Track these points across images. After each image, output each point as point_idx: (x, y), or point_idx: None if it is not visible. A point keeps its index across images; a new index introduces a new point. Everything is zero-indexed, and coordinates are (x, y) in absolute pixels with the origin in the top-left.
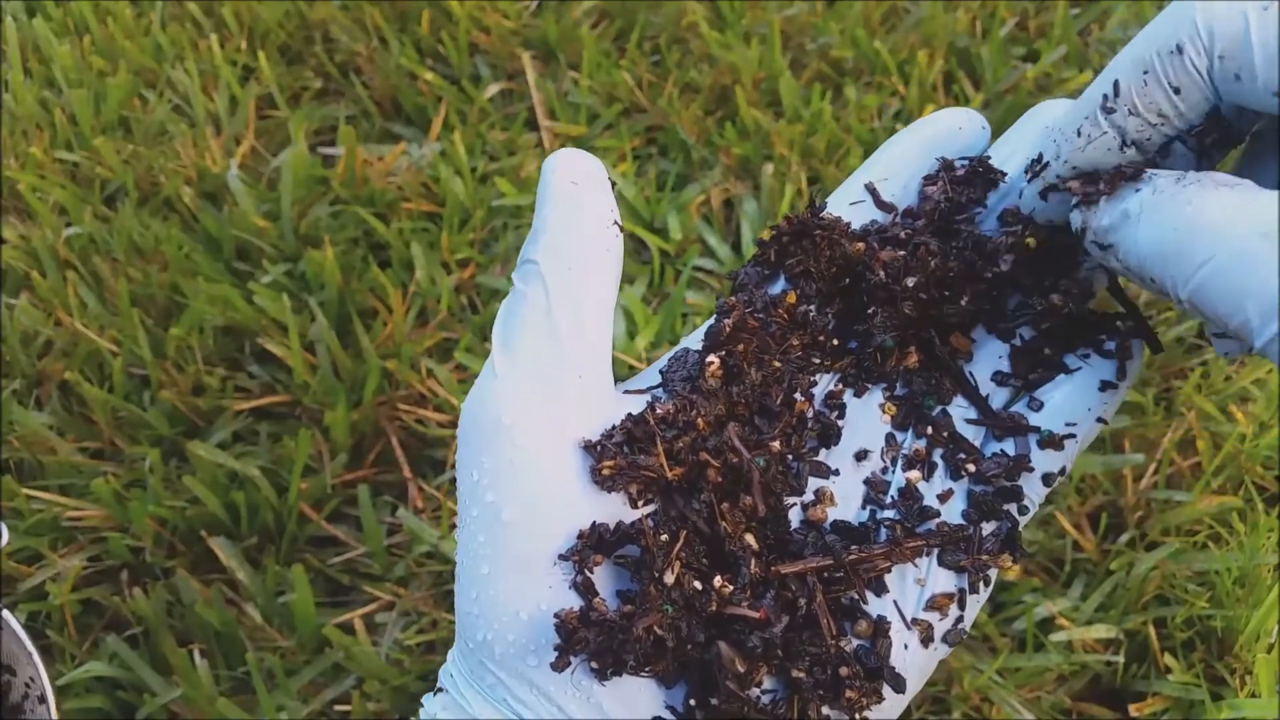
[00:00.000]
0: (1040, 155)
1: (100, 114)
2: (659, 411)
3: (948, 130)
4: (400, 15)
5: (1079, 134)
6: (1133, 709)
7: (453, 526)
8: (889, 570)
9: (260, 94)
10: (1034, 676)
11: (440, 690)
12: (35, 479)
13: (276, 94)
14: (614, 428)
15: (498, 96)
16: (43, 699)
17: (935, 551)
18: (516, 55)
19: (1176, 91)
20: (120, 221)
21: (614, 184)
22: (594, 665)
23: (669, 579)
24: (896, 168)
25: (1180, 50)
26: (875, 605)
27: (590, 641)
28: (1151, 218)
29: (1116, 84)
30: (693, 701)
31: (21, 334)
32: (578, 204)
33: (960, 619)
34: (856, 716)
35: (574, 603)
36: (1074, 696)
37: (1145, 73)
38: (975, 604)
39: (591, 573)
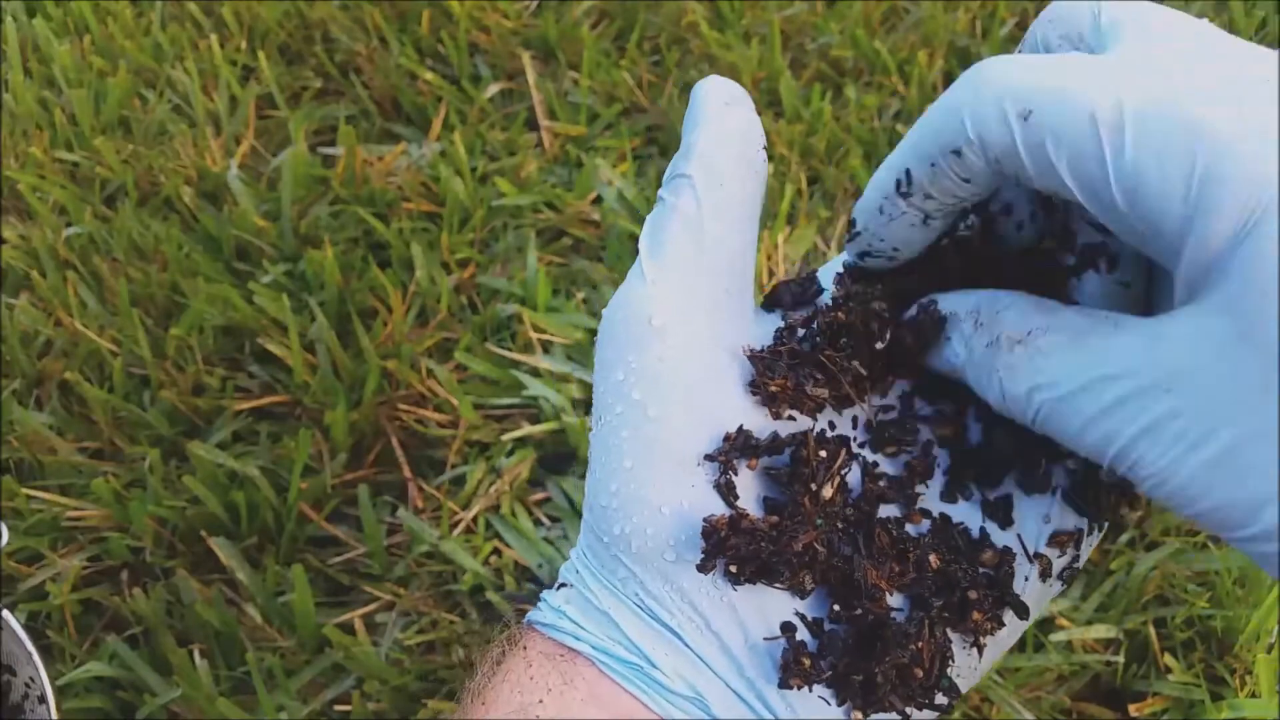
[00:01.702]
0: (853, 219)
1: (100, 114)
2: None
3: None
4: (400, 15)
5: (880, 212)
6: (1133, 709)
7: (454, 526)
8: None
9: (260, 94)
10: (1034, 676)
11: (563, 585)
12: (35, 479)
13: (276, 94)
14: (780, 343)
15: (498, 96)
16: (43, 699)
17: (1062, 489)
18: (516, 55)
19: (966, 181)
20: (120, 221)
21: (613, 183)
22: (732, 569)
23: (826, 493)
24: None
25: (960, 153)
26: (1000, 537)
27: (739, 548)
28: (975, 378)
29: (909, 172)
30: (835, 609)
31: (21, 334)
32: (729, 124)
33: (1076, 558)
34: (980, 640)
35: (715, 502)
36: (1074, 696)
37: (932, 165)
38: (1089, 545)
39: (736, 475)
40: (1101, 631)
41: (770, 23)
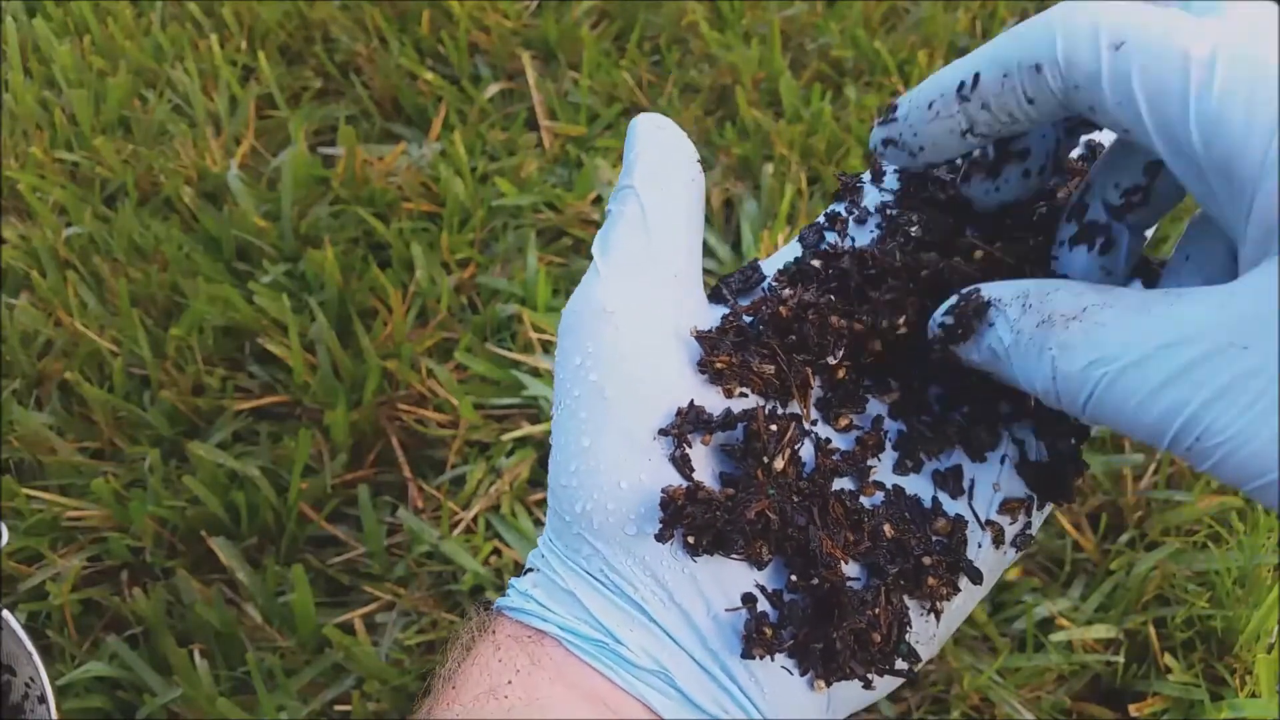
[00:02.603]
0: (894, 104)
1: (100, 114)
2: (766, 312)
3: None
4: (400, 15)
5: (929, 107)
6: (1133, 709)
7: (454, 526)
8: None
9: (260, 94)
10: (1034, 676)
11: (529, 571)
12: (35, 479)
13: (276, 94)
14: (726, 324)
15: (498, 96)
16: (43, 699)
17: (1011, 460)
18: (516, 55)
19: (1031, 101)
20: (120, 221)
21: (613, 184)
22: (690, 540)
23: (779, 465)
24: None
25: (1039, 69)
26: (952, 506)
27: (696, 517)
28: (1021, 363)
29: (977, 77)
30: (792, 579)
31: (21, 334)
32: (665, 143)
33: (1028, 525)
34: (936, 605)
35: (672, 476)
36: (1074, 696)
37: (1005, 76)
38: (1041, 515)
39: (689, 448)
40: (1101, 631)
41: (770, 23)
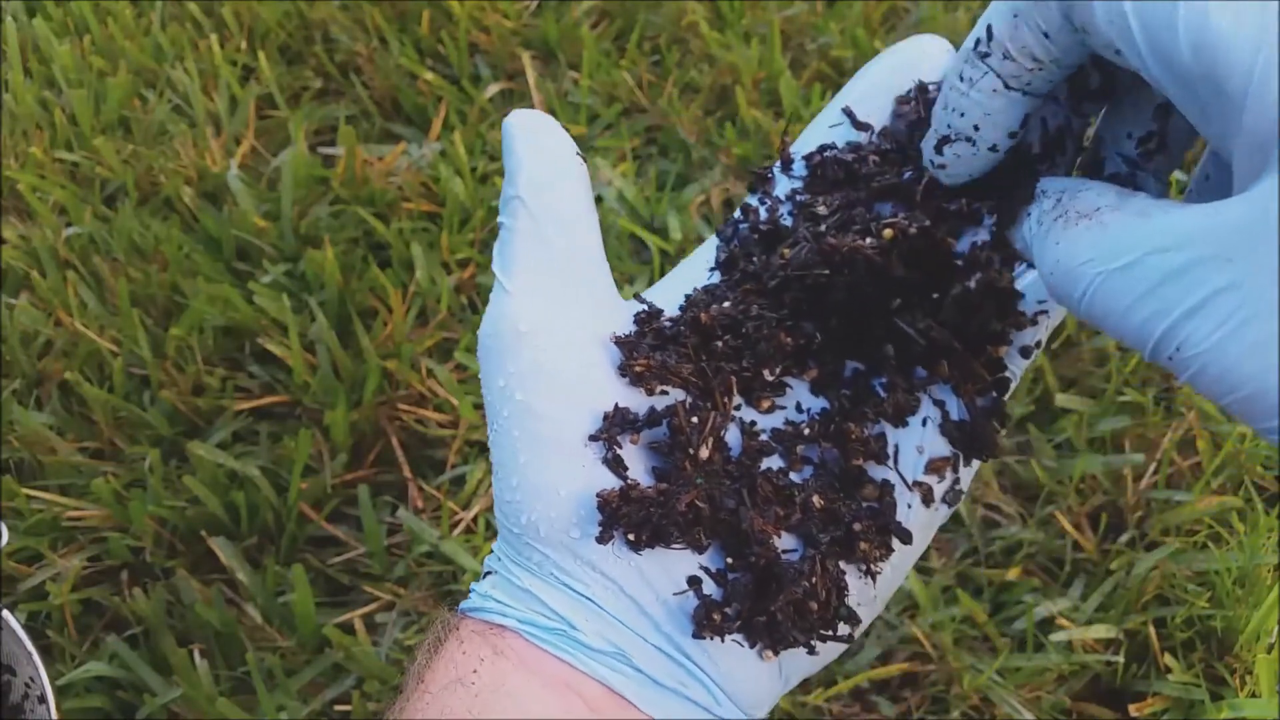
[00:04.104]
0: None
1: (100, 114)
2: (688, 315)
3: (917, 56)
4: (400, 15)
5: (961, 79)
6: (1133, 709)
7: (454, 526)
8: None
9: (260, 94)
10: (1034, 676)
11: (488, 574)
12: (35, 479)
13: (276, 94)
14: (644, 327)
15: (498, 96)
16: (43, 699)
17: (934, 422)
18: (516, 55)
19: (1046, 35)
20: (120, 221)
21: (613, 183)
22: (631, 538)
23: (704, 454)
24: (871, 92)
25: None
26: (879, 472)
27: (631, 516)
28: (1039, 253)
29: (990, 29)
30: (730, 560)
31: (21, 334)
32: (541, 143)
33: (957, 481)
34: (871, 568)
35: (607, 478)
36: (1074, 696)
37: (1015, 16)
38: (970, 471)
39: (620, 449)
40: (1101, 631)
41: (770, 23)
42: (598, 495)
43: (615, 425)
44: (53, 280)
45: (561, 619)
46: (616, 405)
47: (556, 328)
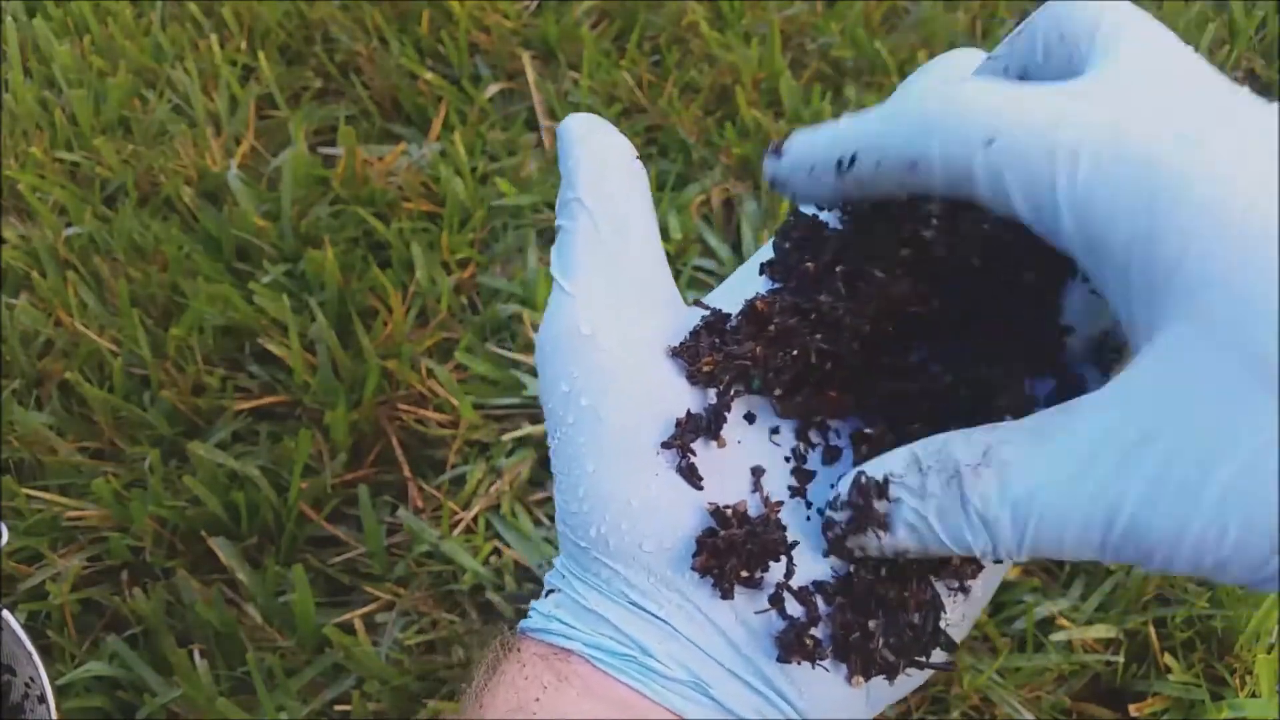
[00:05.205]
0: (782, 146)
1: (100, 114)
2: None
3: (964, 69)
4: (400, 15)
5: (810, 170)
6: (1133, 709)
7: (454, 526)
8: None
9: (260, 94)
10: (1034, 676)
11: (551, 592)
12: (35, 479)
13: (276, 94)
14: (699, 329)
15: (498, 96)
16: (43, 699)
17: None
18: (516, 55)
19: (904, 187)
20: (120, 221)
21: None
22: (725, 586)
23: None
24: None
25: (914, 166)
26: None
27: (733, 565)
28: (950, 528)
29: (854, 158)
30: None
31: (21, 334)
32: (599, 145)
33: None
34: (965, 583)
35: (681, 487)
36: (1074, 696)
37: (878, 164)
38: None
39: (694, 456)
40: (1101, 631)
41: (770, 23)
42: (697, 541)
43: (689, 432)
44: (53, 280)
45: (633, 642)
46: (690, 411)
47: (620, 330)
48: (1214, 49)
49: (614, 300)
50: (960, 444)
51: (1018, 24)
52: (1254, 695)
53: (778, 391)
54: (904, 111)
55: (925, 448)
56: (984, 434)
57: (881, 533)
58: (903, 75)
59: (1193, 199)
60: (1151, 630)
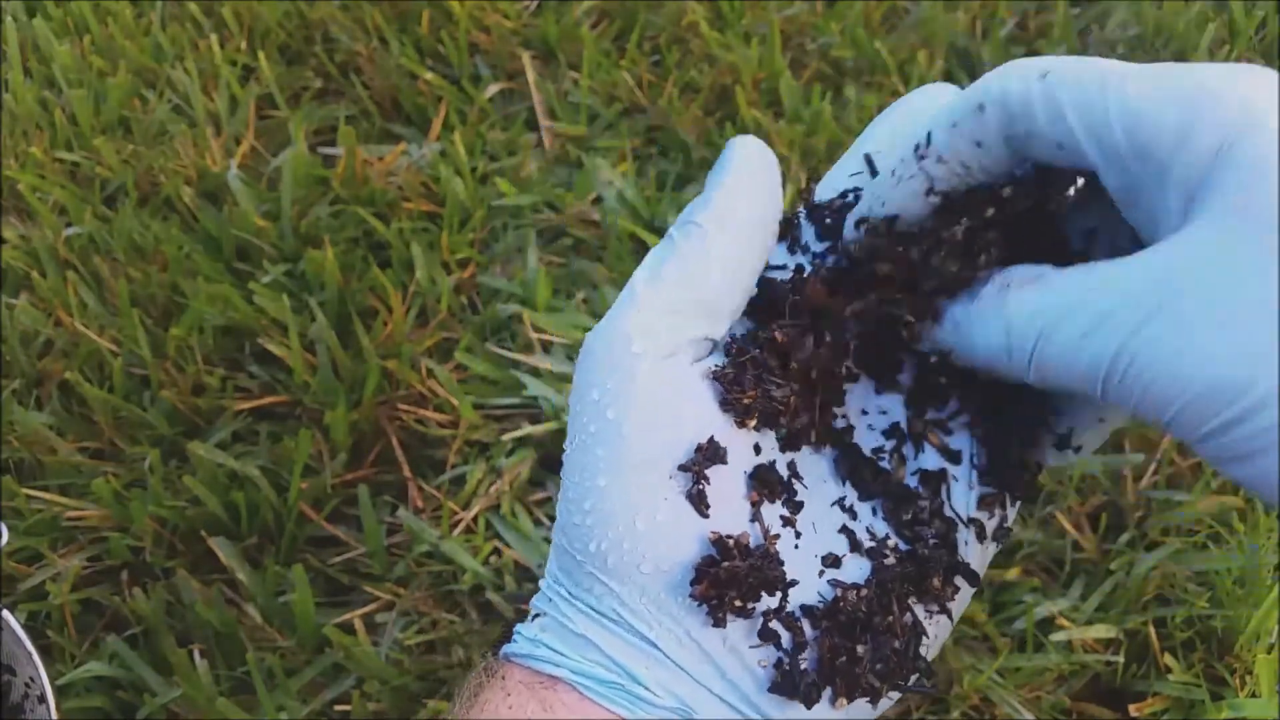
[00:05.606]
0: (855, 187)
1: (100, 114)
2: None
3: (934, 103)
4: (400, 15)
5: (892, 174)
6: (1133, 709)
7: (454, 526)
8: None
9: (260, 94)
10: (1034, 676)
11: (537, 615)
12: (35, 479)
13: (276, 94)
14: (740, 360)
15: (498, 96)
16: (43, 699)
17: (977, 461)
18: (516, 55)
19: (979, 145)
20: (120, 221)
21: (613, 184)
22: (720, 616)
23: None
24: (891, 140)
25: (982, 108)
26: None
27: (733, 595)
28: (980, 326)
29: (930, 134)
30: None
31: (21, 334)
32: (751, 184)
33: (1005, 518)
34: (945, 605)
35: (689, 513)
36: (1074, 696)
37: (954, 125)
38: (1013, 509)
39: (708, 484)
40: (1101, 631)
41: (770, 23)
42: (698, 569)
43: (706, 458)
44: (53, 280)
45: (621, 669)
46: (712, 438)
47: (669, 357)
48: (1214, 49)
49: (677, 328)
50: (1024, 268)
51: (1018, 24)
52: (1254, 695)
53: (785, 432)
54: (970, 86)
55: (1001, 269)
56: (1049, 266)
57: (932, 324)
58: (903, 75)
59: (1230, 100)
60: (1151, 630)
